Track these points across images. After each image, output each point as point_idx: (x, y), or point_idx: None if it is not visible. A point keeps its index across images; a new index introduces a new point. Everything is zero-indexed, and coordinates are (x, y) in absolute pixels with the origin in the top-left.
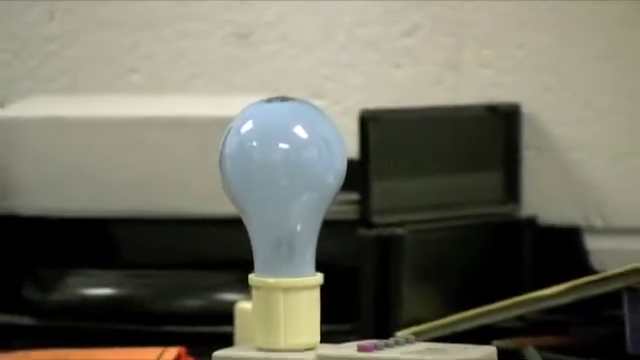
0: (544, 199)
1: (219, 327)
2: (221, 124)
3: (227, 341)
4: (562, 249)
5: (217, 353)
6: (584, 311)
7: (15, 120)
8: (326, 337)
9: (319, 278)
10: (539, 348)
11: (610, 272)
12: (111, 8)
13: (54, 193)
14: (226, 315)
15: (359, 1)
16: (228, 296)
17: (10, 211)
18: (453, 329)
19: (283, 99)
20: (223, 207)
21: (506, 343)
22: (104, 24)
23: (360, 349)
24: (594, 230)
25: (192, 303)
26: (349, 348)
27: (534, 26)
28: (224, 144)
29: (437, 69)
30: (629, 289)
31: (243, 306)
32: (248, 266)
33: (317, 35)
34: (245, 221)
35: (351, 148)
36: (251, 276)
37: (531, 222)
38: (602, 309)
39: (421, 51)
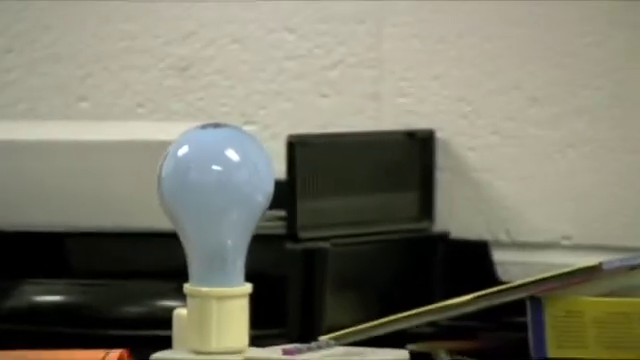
0: (455, 216)
1: (159, 331)
2: (162, 148)
3: (166, 344)
4: (471, 262)
5: (155, 355)
6: (491, 318)
7: None
8: (255, 341)
9: (248, 288)
10: (450, 352)
11: (515, 283)
12: (63, 43)
13: (9, 209)
14: (165, 320)
15: (289, 36)
16: (167, 303)
17: None
18: (370, 334)
19: (216, 125)
20: (162, 223)
21: (419, 347)
22: (57, 57)
23: (285, 352)
24: (500, 244)
25: (134, 309)
26: (275, 351)
27: (448, 60)
28: (162, 167)
29: (359, 99)
30: (532, 298)
31: (180, 312)
32: (184, 276)
33: (249, 67)
34: (181, 236)
35: (279, 170)
36: (186, 285)
37: (443, 237)
38: (508, 316)
39: (345, 82)
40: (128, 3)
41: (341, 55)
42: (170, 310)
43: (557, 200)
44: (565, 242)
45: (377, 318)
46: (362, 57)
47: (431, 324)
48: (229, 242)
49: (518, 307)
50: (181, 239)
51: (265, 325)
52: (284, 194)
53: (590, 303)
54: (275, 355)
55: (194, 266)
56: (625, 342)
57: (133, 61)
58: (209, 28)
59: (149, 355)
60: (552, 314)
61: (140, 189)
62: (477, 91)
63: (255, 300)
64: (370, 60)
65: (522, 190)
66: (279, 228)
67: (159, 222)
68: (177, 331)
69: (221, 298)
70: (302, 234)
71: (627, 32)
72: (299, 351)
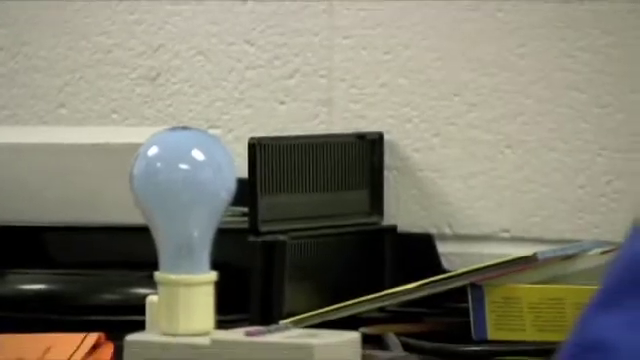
0: (402, 211)
1: (133, 316)
2: (134, 150)
3: (140, 328)
4: (417, 253)
5: (129, 337)
6: (436, 304)
7: None
8: (221, 325)
9: (213, 275)
10: (397, 334)
11: (457, 271)
12: (43, 56)
13: (12, 212)
14: (138, 306)
15: (249, 48)
16: (140, 290)
17: None
18: (326, 318)
19: (184, 128)
20: (135, 218)
21: (370, 330)
22: (37, 68)
23: (247, 334)
24: (443, 237)
25: (110, 297)
26: (238, 333)
27: (394, 70)
28: (133, 166)
29: (313, 105)
30: (473, 285)
31: (152, 298)
32: (155, 266)
33: (213, 77)
34: (152, 229)
35: (241, 169)
36: (156, 273)
37: (392, 230)
38: (451, 302)
39: (300, 90)
40: (102, 19)
41: (296, 65)
42: (143, 297)
43: (495, 196)
44: (503, 234)
45: (332, 304)
46: (315, 67)
47: (381, 309)
48: (195, 234)
49: (460, 294)
50: (152, 232)
51: (229, 311)
52: (246, 192)
53: (526, 290)
54: (238, 336)
55: (163, 256)
56: (559, 325)
57: (107, 71)
58: (176, 41)
59: (122, 338)
60: (491, 300)
61: (114, 187)
62: (421, 98)
63: (220, 288)
64: (323, 70)
65: (463, 187)
66: (241, 223)
67: (131, 217)
68: (150, 316)
69: (188, 285)
70: (262, 228)
71: (552, 44)
72: (260, 333)
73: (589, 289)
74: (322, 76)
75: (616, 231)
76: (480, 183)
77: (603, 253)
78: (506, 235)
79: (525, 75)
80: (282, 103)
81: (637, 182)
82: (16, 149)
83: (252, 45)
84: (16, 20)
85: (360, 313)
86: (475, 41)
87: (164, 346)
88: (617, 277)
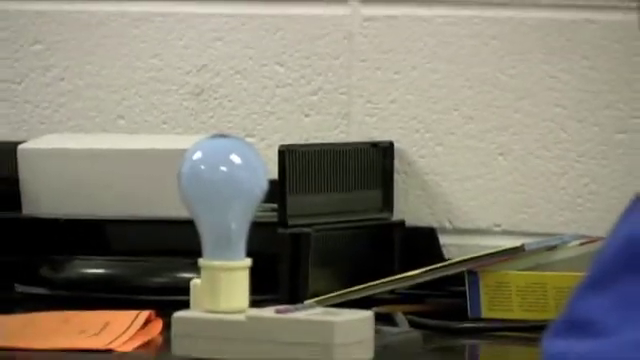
0: (409, 208)
1: (179, 297)
2: (181, 154)
3: (184, 307)
4: (422, 244)
5: (176, 314)
6: (437, 287)
7: (36, 150)
8: (254, 304)
9: (248, 262)
10: (405, 313)
11: (455, 260)
12: (104, 73)
13: (63, 202)
14: (184, 288)
15: (280, 69)
16: (185, 275)
17: (32, 215)
18: (344, 299)
19: (223, 136)
20: (181, 212)
21: (381, 309)
22: (99, 85)
23: (277, 312)
24: (444, 230)
25: (160, 280)
26: (269, 311)
27: (403, 88)
28: (181, 168)
29: (333, 117)
30: (469, 272)
31: (196, 282)
32: (198, 253)
33: (249, 93)
34: (195, 222)
35: (272, 172)
36: (200, 260)
37: (400, 225)
38: (450, 286)
39: (322, 105)
40: (155, 43)
41: (320, 84)
42: (188, 280)
43: (489, 196)
44: (495, 228)
45: (349, 287)
46: (336, 85)
47: (391, 291)
48: (233, 226)
49: (458, 279)
50: (196, 224)
51: (262, 292)
52: (276, 191)
53: (515, 276)
54: (269, 313)
55: (206, 245)
56: (542, 306)
57: (159, 88)
58: (217, 63)
59: (171, 314)
60: (485, 284)
61: (164, 186)
62: (425, 112)
63: (254, 272)
64: (342, 88)
65: (461, 188)
66: (272, 217)
67: (179, 211)
68: (193, 296)
69: (227, 270)
70: (290, 222)
71: (538, 67)
72: (288, 311)
73: (568, 275)
74: (342, 93)
75: (591, 226)
76: (476, 185)
77: (580, 245)
78: (498, 229)
79: (515, 93)
80: (307, 116)
81: (609, 184)
82: (79, 153)
83: (282, 66)
84: (81, 43)
85: (373, 295)
86: (472, 64)
87: (206, 322)
88: (605, 262)
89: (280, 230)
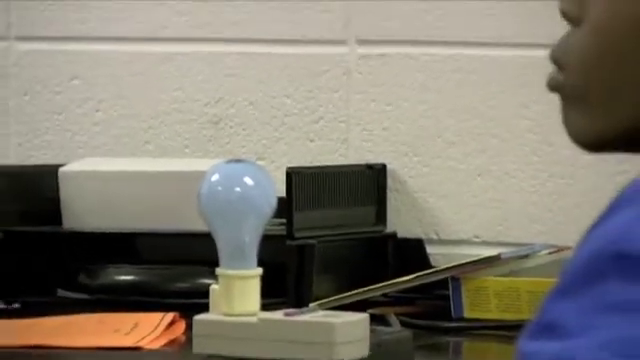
0: (401, 222)
1: (200, 300)
2: (201, 176)
3: (205, 310)
4: (412, 253)
5: (197, 317)
6: (425, 291)
7: (75, 172)
8: (265, 307)
9: (259, 271)
10: (396, 314)
11: (440, 267)
12: (133, 106)
13: (98, 217)
14: (205, 293)
15: (287, 100)
16: (205, 281)
17: (72, 229)
18: (343, 302)
19: (238, 160)
20: (201, 226)
21: (375, 311)
22: (130, 115)
23: (286, 314)
24: (431, 241)
25: (182, 285)
26: (279, 314)
27: (394, 118)
28: (200, 188)
29: (334, 143)
30: (452, 278)
31: (214, 287)
32: (216, 263)
33: (260, 122)
34: (213, 235)
35: (281, 190)
36: (217, 269)
37: (393, 236)
38: (436, 290)
39: (324, 132)
40: (177, 78)
41: (322, 114)
42: (207, 286)
43: (470, 210)
44: (475, 239)
45: (347, 291)
46: (336, 115)
47: (384, 295)
48: (246, 239)
49: (443, 284)
50: (214, 237)
51: (271, 296)
52: (284, 207)
53: (492, 281)
54: (279, 316)
55: (222, 256)
56: (516, 307)
57: (181, 117)
58: (232, 95)
59: (193, 317)
60: (466, 288)
61: (187, 203)
62: (414, 138)
63: (264, 280)
64: (342, 117)
65: (445, 204)
66: (280, 230)
67: (198, 225)
68: (212, 300)
69: (241, 278)
70: (297, 235)
71: (513, 98)
72: (295, 313)
73: (539, 280)
74: (341, 122)
75: (559, 237)
76: (458, 201)
77: (549, 253)
78: (477, 240)
79: (492, 121)
80: (311, 141)
81: (575, 200)
82: (114, 175)
83: (289, 98)
84: (114, 79)
85: (368, 298)
86: (455, 96)
87: (223, 323)
88: (573, 273)
89: (288, 242)
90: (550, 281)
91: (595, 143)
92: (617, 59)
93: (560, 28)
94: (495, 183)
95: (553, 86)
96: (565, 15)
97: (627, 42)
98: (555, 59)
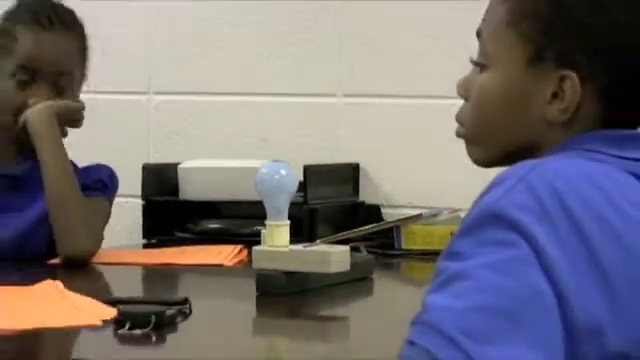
0: (366, 195)
1: (256, 239)
2: (257, 170)
3: (258, 243)
4: (373, 214)
5: (255, 248)
6: (381, 234)
7: (189, 169)
8: (292, 242)
9: (288, 222)
10: (365, 247)
11: (389, 221)
12: (222, 134)
13: (200, 192)
14: (258, 234)
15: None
16: (260, 228)
17: (185, 198)
18: (334, 239)
19: (276, 161)
20: (257, 197)
21: (353, 245)
22: (219, 135)
23: (304, 246)
24: (384, 206)
25: (247, 231)
26: (299, 246)
27: (373, 128)
28: (256, 177)
29: (329, 154)
30: (396, 226)
31: (264, 231)
32: (265, 217)
33: (289, 138)
34: (264, 203)
35: (300, 177)
36: (266, 221)
37: (362, 204)
38: (387, 233)
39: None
40: (235, 104)
41: (323, 143)
42: (260, 231)
43: (406, 187)
44: (409, 205)
45: (337, 234)
46: (327, 135)
47: (358, 236)
48: (281, 205)
49: (391, 230)
50: (264, 204)
51: (295, 236)
52: (302, 187)
53: (418, 228)
54: (300, 247)
55: (268, 214)
56: (431, 243)
57: (242, 141)
58: (273, 131)
59: (252, 247)
60: (405, 232)
61: (249, 184)
62: (387, 142)
63: (291, 227)
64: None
65: (393, 180)
66: (301, 200)
67: (255, 197)
68: (263, 238)
69: (278, 226)
70: (309, 202)
71: None
72: (309, 246)
73: (443, 228)
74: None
75: (458, 202)
76: (400, 182)
77: (449, 213)
78: (410, 205)
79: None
80: (322, 150)
81: (479, 177)
82: (212, 170)
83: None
84: (207, 121)
85: (349, 238)
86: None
87: (268, 251)
88: (469, 221)
89: (304, 206)
90: (448, 228)
91: (486, 164)
92: (488, 120)
93: None
94: (423, 166)
95: (457, 135)
96: (459, 95)
97: (492, 111)
98: (456, 119)
